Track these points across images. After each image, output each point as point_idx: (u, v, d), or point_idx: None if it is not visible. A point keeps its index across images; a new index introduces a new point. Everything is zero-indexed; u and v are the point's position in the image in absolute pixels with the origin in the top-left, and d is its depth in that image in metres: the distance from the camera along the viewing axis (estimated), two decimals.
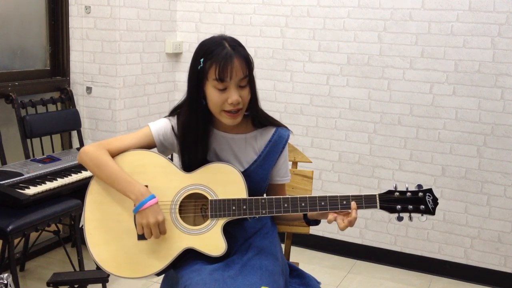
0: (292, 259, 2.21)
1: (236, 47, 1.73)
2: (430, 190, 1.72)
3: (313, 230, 3.67)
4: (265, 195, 1.92)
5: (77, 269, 3.06)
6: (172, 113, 1.88)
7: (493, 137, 3.22)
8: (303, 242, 3.75)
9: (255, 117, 1.85)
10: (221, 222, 1.75)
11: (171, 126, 1.84)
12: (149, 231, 1.72)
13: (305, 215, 1.84)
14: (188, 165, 1.81)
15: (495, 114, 3.20)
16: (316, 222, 1.86)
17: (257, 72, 3.87)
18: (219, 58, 1.69)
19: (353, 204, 1.71)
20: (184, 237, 1.76)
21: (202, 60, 1.72)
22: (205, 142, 1.81)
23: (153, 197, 1.72)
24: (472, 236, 3.35)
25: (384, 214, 3.50)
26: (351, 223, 1.72)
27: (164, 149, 1.86)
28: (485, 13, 3.13)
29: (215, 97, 1.73)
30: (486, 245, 3.33)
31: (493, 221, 3.29)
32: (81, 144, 3.55)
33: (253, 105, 1.81)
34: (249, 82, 1.76)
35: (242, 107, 1.76)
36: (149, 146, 1.83)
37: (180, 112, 1.84)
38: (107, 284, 2.74)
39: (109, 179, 1.76)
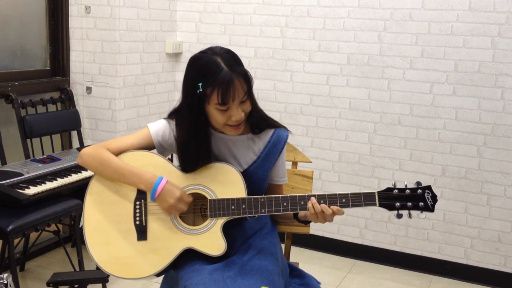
0: (292, 259, 2.21)
1: (233, 66, 1.68)
2: (429, 187, 1.72)
3: (313, 230, 3.67)
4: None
5: (77, 269, 3.06)
6: (170, 116, 1.87)
7: (493, 137, 3.22)
8: (303, 242, 3.75)
9: (253, 121, 1.84)
10: (221, 221, 1.75)
11: (170, 128, 1.83)
12: (175, 210, 1.74)
13: (295, 216, 1.85)
14: (189, 170, 1.81)
15: (495, 114, 3.20)
16: (306, 221, 1.88)
17: (257, 72, 3.89)
18: (219, 82, 1.65)
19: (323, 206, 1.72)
20: (184, 237, 1.76)
21: (201, 84, 1.68)
22: (207, 156, 1.80)
23: (161, 179, 1.73)
24: (472, 236, 3.35)
25: (384, 214, 3.50)
26: (326, 219, 1.73)
27: (163, 150, 1.86)
28: (485, 13, 3.13)
29: (218, 117, 1.72)
30: (486, 245, 3.32)
31: (493, 221, 3.29)
32: (81, 144, 3.55)
33: (252, 111, 1.80)
34: (249, 94, 1.74)
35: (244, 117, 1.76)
36: (148, 147, 1.83)
37: (178, 122, 1.81)
38: (107, 284, 2.74)
39: (115, 174, 1.76)
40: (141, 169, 1.75)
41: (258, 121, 1.85)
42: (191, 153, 1.78)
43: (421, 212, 1.72)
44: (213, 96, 1.68)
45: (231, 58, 1.71)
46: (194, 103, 1.73)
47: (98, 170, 1.79)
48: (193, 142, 1.77)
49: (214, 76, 1.66)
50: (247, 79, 1.71)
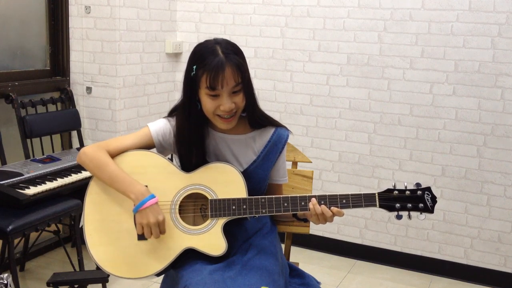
0: (292, 259, 2.21)
1: (229, 54, 1.70)
2: (428, 189, 1.73)
3: (313, 230, 3.67)
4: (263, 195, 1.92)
5: (77, 269, 3.06)
6: (170, 114, 1.88)
7: (493, 137, 3.22)
8: (303, 242, 3.75)
9: (252, 118, 1.84)
10: (221, 221, 1.75)
11: (170, 127, 1.84)
12: (149, 231, 1.72)
13: (294, 214, 1.86)
14: (187, 167, 1.82)
15: (495, 114, 3.20)
16: (306, 220, 1.88)
17: (257, 72, 3.89)
18: (210, 67, 1.68)
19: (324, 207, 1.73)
20: (184, 237, 1.76)
21: (195, 67, 1.72)
22: (199, 146, 1.81)
23: (152, 196, 1.72)
24: (472, 236, 3.35)
25: (384, 214, 3.50)
26: (326, 220, 1.74)
27: (163, 150, 1.86)
28: (485, 13, 3.13)
29: (208, 104, 1.73)
30: (486, 245, 3.33)
31: (493, 221, 3.29)
32: (81, 144, 3.55)
33: (250, 107, 1.81)
34: (244, 87, 1.75)
35: (236, 111, 1.76)
36: (148, 146, 1.83)
37: (177, 113, 1.84)
38: (107, 284, 2.74)
39: (109, 179, 1.76)
40: (136, 180, 1.75)
41: (258, 120, 1.86)
42: (184, 138, 1.79)
43: (421, 213, 1.73)
44: (203, 78, 1.70)
45: (230, 48, 1.74)
46: (189, 87, 1.76)
47: (94, 172, 1.79)
48: (186, 127, 1.78)
49: (207, 59, 1.69)
50: (240, 69, 1.71)
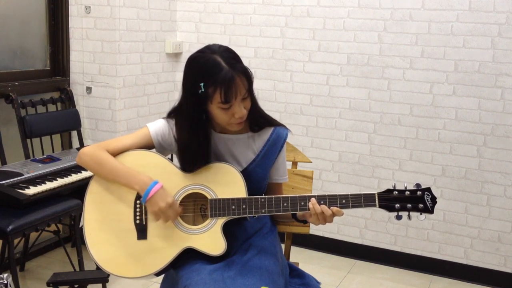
0: (292, 259, 2.21)
1: (234, 64, 1.68)
2: (428, 189, 1.73)
3: (313, 230, 3.67)
4: (263, 194, 1.92)
5: (77, 269, 3.06)
6: (169, 116, 1.87)
7: (493, 137, 3.22)
8: (303, 242, 3.75)
9: (253, 118, 1.84)
10: (221, 221, 1.76)
11: (169, 128, 1.84)
12: (164, 216, 1.72)
13: (294, 215, 1.86)
14: (187, 170, 1.81)
15: (495, 114, 3.20)
16: (305, 221, 1.88)
17: (257, 72, 3.89)
18: (221, 81, 1.65)
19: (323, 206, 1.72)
20: (184, 237, 1.76)
21: (202, 84, 1.68)
22: (206, 156, 1.80)
23: (156, 182, 1.72)
24: (472, 236, 3.35)
25: (384, 214, 3.50)
26: (326, 220, 1.73)
27: (162, 150, 1.86)
28: (485, 13, 3.13)
29: (222, 116, 1.72)
30: (486, 245, 3.33)
31: (493, 221, 3.29)
32: (81, 144, 3.55)
33: (251, 107, 1.81)
34: (250, 91, 1.75)
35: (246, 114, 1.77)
36: (147, 146, 1.83)
37: (178, 122, 1.81)
38: (107, 284, 2.74)
39: (111, 174, 1.76)
40: (137, 171, 1.75)
41: (257, 119, 1.86)
42: (190, 152, 1.78)
43: (421, 214, 1.73)
44: (216, 95, 1.68)
45: (231, 56, 1.71)
46: (195, 103, 1.73)
47: (95, 170, 1.79)
48: (193, 141, 1.77)
49: (216, 75, 1.66)
50: (247, 76, 1.71)
